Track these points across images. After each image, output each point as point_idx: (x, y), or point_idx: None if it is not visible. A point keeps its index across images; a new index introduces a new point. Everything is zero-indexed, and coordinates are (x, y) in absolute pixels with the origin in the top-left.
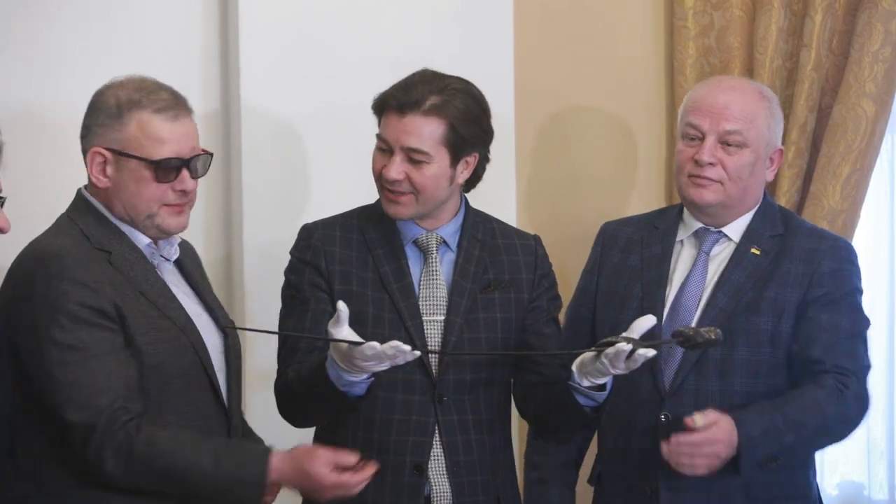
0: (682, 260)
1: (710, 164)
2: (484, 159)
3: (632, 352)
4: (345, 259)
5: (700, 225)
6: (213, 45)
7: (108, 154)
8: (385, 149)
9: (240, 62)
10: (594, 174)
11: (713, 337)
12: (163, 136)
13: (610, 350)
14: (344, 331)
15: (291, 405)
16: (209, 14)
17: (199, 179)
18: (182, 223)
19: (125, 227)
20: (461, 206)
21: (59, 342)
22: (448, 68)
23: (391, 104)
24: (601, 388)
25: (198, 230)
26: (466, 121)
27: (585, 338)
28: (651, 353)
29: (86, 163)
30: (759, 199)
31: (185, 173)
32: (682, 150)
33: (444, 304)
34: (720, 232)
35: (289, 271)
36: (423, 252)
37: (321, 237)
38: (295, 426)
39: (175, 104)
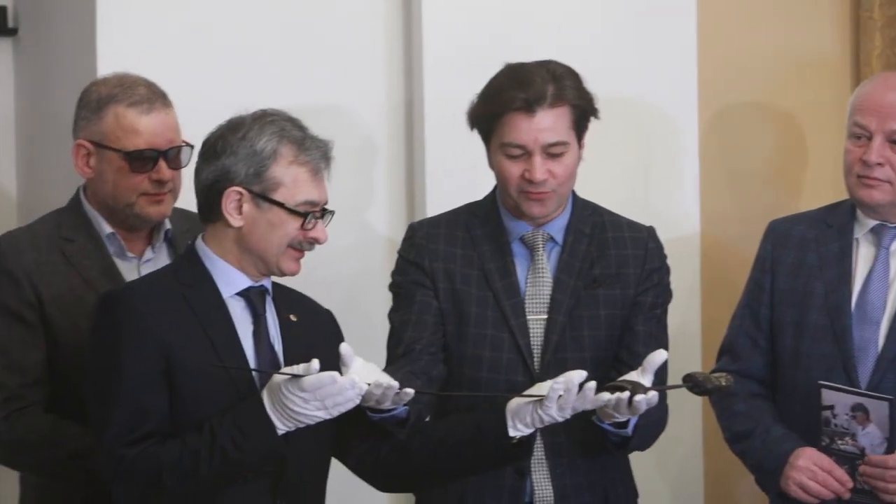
0: (862, 257)
1: (879, 164)
2: None
3: (631, 398)
4: (448, 256)
5: (876, 222)
6: (396, 38)
7: (89, 146)
8: (518, 154)
9: (423, 55)
10: (778, 168)
11: (724, 383)
12: (137, 128)
13: (611, 400)
14: (353, 367)
15: None
16: (393, 7)
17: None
18: (161, 211)
19: (94, 217)
20: (569, 198)
21: None
22: (631, 64)
23: (514, 106)
24: (624, 425)
25: (382, 218)
26: (581, 98)
27: (767, 335)
28: (654, 398)
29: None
30: None
31: (161, 164)
32: (850, 149)
33: (549, 302)
34: None
35: (394, 272)
36: (530, 249)
37: (425, 235)
38: None
39: (150, 98)
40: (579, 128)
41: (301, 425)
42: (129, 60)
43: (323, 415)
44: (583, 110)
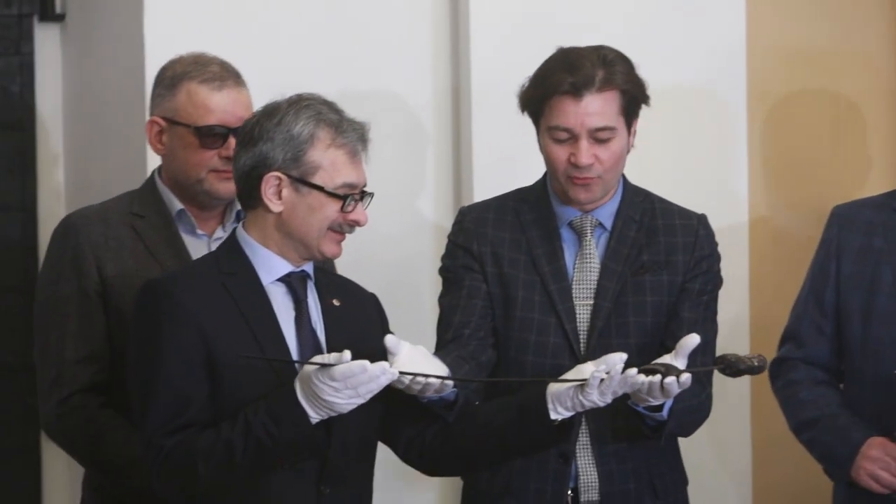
0: None
1: None
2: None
3: (662, 381)
4: (497, 241)
5: None
6: (443, 22)
7: (162, 122)
8: (565, 138)
9: (470, 39)
10: (829, 157)
11: (756, 364)
12: (208, 104)
13: (644, 383)
14: (400, 355)
15: None
16: None
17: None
18: (231, 189)
19: (166, 194)
20: (619, 184)
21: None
22: (681, 50)
23: (562, 90)
24: (659, 409)
25: (430, 204)
26: (632, 83)
27: (832, 321)
28: (686, 381)
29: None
30: None
31: (231, 140)
32: None
33: (596, 287)
34: None
35: (444, 256)
36: (579, 235)
37: (473, 220)
38: None
39: (223, 76)
40: (628, 114)
41: (334, 414)
42: (176, 46)
43: (357, 401)
44: (633, 96)
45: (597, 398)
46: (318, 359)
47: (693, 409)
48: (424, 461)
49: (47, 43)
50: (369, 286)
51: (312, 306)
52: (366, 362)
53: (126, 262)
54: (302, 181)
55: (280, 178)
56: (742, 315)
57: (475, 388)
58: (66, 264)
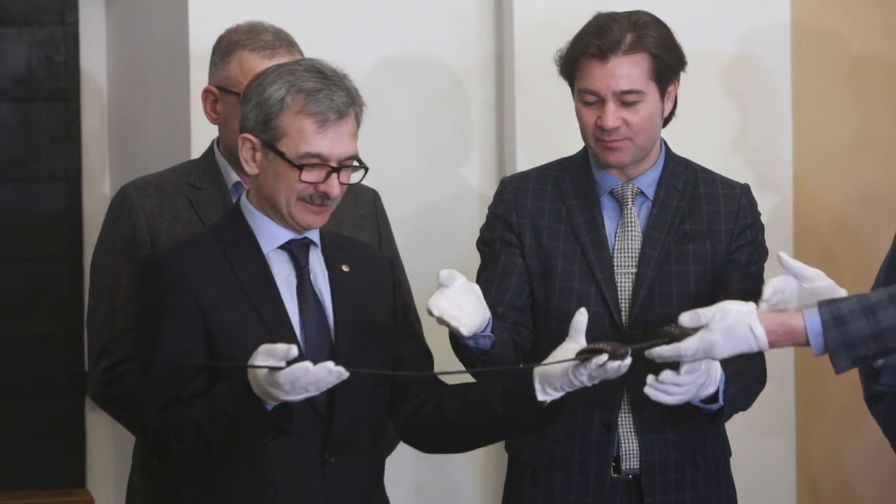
0: None
1: None
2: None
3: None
4: (536, 212)
5: None
6: None
7: (216, 92)
8: (593, 101)
9: (514, 5)
10: (882, 135)
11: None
12: (257, 72)
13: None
14: (454, 286)
15: None
16: None
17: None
18: None
19: (223, 165)
20: (661, 152)
21: (94, 264)
22: (724, 17)
23: (588, 52)
24: (714, 399)
25: (473, 172)
26: (665, 48)
27: None
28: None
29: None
30: None
31: None
32: None
33: (639, 256)
34: None
35: (483, 227)
36: (620, 203)
37: (513, 191)
38: None
39: (274, 45)
40: (661, 79)
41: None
42: (220, 16)
43: (311, 394)
44: (664, 61)
45: (586, 379)
46: (259, 360)
47: (747, 387)
48: (419, 437)
49: (92, 13)
50: (413, 254)
51: (318, 273)
52: (307, 364)
53: (179, 234)
54: (269, 146)
55: (252, 141)
56: None
57: (507, 339)
58: (120, 235)
